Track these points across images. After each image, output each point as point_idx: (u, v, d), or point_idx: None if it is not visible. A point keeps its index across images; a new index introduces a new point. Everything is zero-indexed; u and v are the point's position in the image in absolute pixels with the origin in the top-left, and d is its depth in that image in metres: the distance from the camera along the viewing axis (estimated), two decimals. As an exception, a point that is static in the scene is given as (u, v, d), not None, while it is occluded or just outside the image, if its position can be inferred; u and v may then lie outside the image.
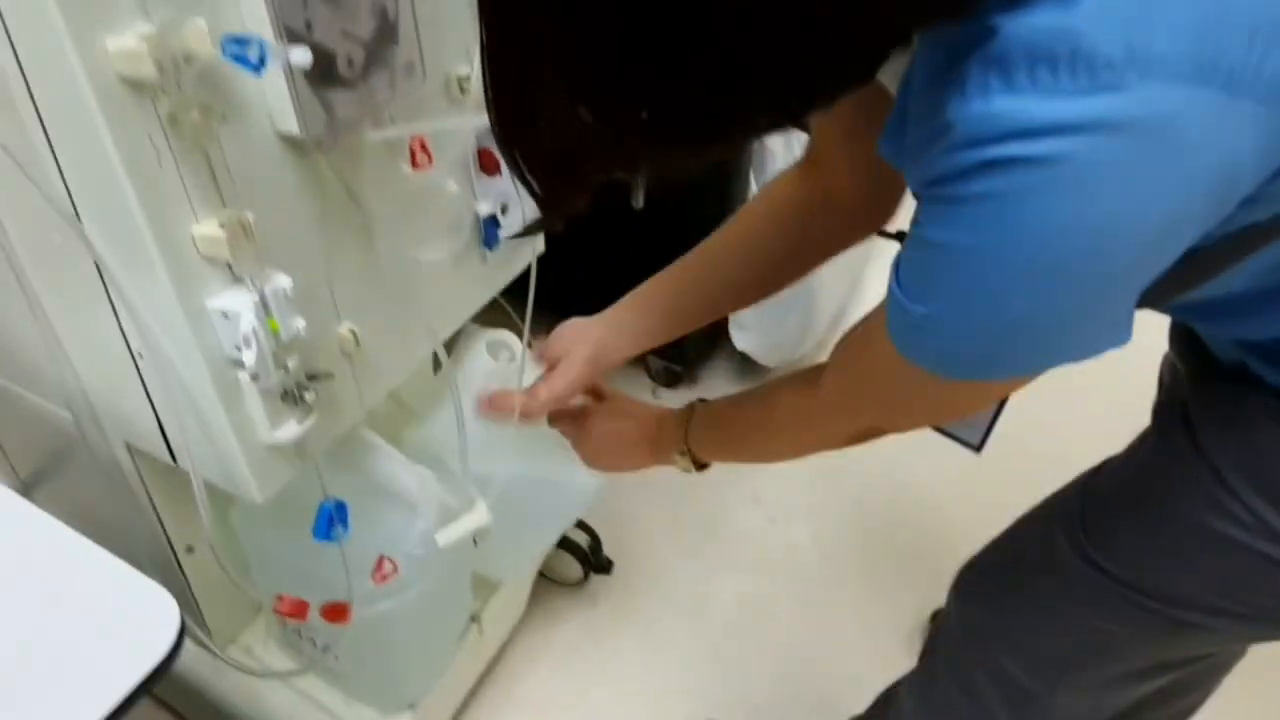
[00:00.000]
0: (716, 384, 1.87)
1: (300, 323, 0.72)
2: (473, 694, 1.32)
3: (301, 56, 0.59)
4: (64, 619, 0.66)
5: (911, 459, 1.49)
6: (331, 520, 0.84)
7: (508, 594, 1.29)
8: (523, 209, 0.99)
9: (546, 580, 1.46)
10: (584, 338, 0.95)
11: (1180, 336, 0.77)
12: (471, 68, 0.81)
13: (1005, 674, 0.86)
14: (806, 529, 1.62)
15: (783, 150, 1.53)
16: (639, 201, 1.62)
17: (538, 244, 1.05)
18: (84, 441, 0.92)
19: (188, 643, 1.20)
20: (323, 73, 0.67)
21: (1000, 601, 0.87)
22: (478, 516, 0.92)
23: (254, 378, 0.69)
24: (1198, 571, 0.70)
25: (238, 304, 0.68)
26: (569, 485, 1.15)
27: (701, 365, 1.88)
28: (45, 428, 0.94)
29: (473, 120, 0.83)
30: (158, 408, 0.78)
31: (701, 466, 0.88)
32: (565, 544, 1.41)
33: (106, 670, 0.61)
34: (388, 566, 0.92)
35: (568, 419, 0.98)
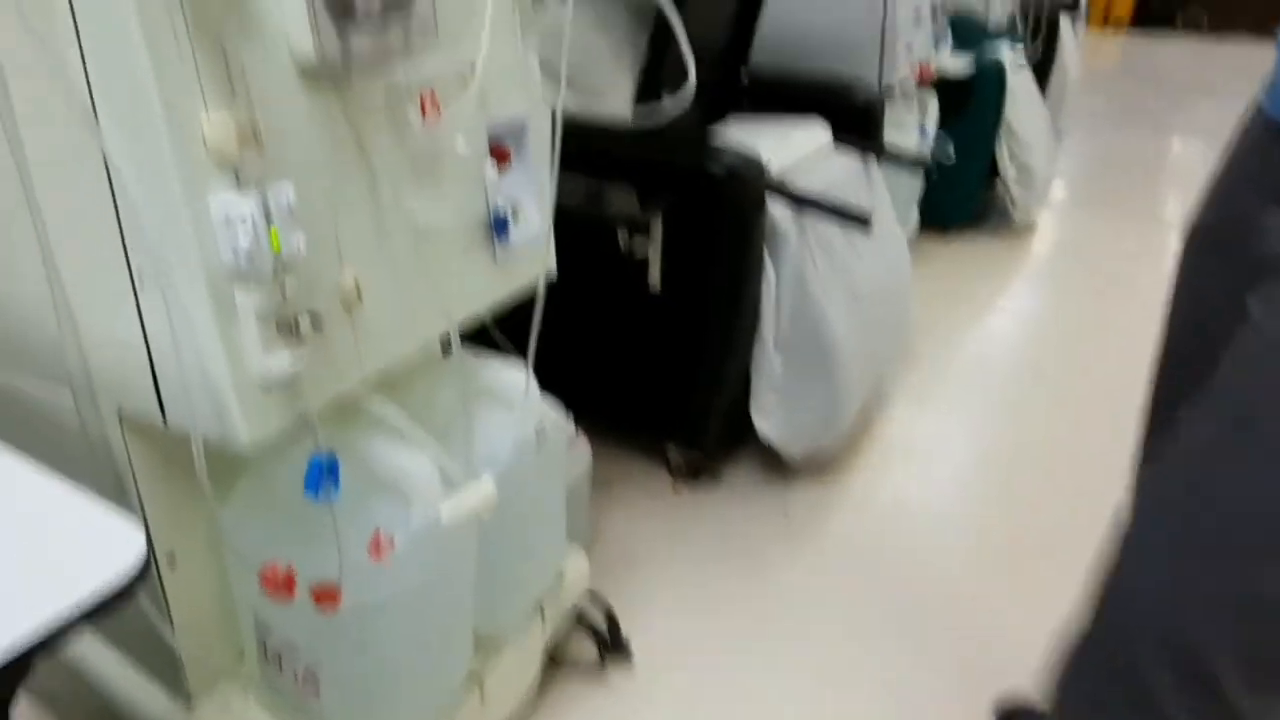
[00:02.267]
0: (740, 479, 1.79)
1: (300, 239, 0.73)
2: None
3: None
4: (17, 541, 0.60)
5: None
6: (322, 472, 0.80)
7: (512, 658, 1.18)
8: (534, 214, 1.02)
9: (559, 665, 1.33)
10: None
11: None
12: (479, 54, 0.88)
13: None
14: (840, 622, 1.48)
15: (795, 232, 1.58)
16: (656, 282, 1.66)
17: (548, 261, 1.08)
18: (81, 429, 0.91)
19: (158, 696, 1.11)
20: (341, 8, 0.74)
21: None
22: (483, 490, 0.87)
23: (245, 278, 0.70)
24: None
25: (241, 207, 0.70)
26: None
27: (725, 456, 1.82)
28: (42, 419, 0.94)
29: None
30: (150, 338, 0.77)
31: None
32: (580, 621, 1.31)
33: (55, 589, 0.56)
34: (384, 541, 0.86)
35: None
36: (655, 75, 1.54)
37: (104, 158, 0.71)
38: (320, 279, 0.79)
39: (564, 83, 0.92)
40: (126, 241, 0.74)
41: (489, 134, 0.95)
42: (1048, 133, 3.00)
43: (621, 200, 1.51)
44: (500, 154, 0.96)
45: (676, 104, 1.21)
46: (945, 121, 2.53)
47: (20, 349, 0.94)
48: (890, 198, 2.00)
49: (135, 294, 0.77)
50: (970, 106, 2.68)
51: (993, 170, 2.84)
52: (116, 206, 0.73)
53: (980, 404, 2.16)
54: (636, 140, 1.48)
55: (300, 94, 0.75)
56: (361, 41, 0.76)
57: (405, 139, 0.84)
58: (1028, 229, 3.14)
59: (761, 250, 1.55)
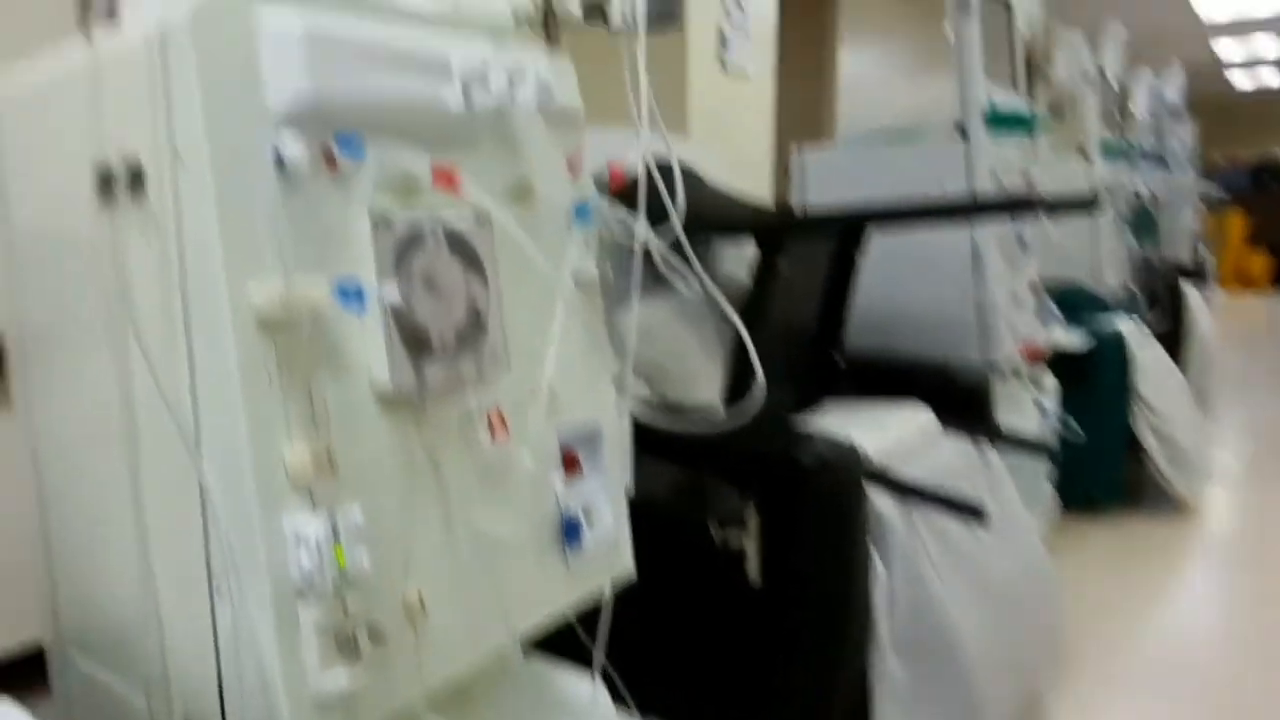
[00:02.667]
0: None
1: (365, 559, 0.77)
2: None
3: (391, 293, 0.76)
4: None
5: None
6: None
7: None
8: (607, 517, 1.04)
9: None
10: None
11: None
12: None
13: None
14: None
15: (903, 524, 1.51)
16: (755, 574, 1.61)
17: (624, 564, 1.07)
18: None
19: None
20: (417, 344, 0.83)
21: None
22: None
23: (307, 593, 0.74)
24: None
25: (310, 527, 0.75)
26: None
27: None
28: (114, 711, 0.97)
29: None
30: (221, 647, 0.81)
31: None
32: None
33: None
34: None
35: None
36: (744, 368, 1.61)
37: (200, 480, 0.79)
38: (384, 592, 0.82)
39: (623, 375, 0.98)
40: (210, 555, 0.81)
41: (560, 442, 1.00)
42: (1189, 404, 2.84)
43: (714, 491, 1.51)
44: (571, 461, 1.00)
45: (750, 405, 1.24)
46: (1069, 398, 2.45)
47: (108, 644, 0.99)
48: (1016, 483, 1.91)
49: (212, 604, 0.81)
50: (1093, 381, 2.61)
51: (1136, 445, 2.68)
52: (205, 523, 0.80)
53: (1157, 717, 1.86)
54: (727, 429, 1.52)
55: (376, 419, 0.82)
56: (436, 373, 0.85)
57: (475, 455, 0.90)
58: (1191, 508, 2.87)
59: (865, 543, 1.48)
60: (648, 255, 1.08)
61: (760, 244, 1.64)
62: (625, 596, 1.10)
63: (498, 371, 0.91)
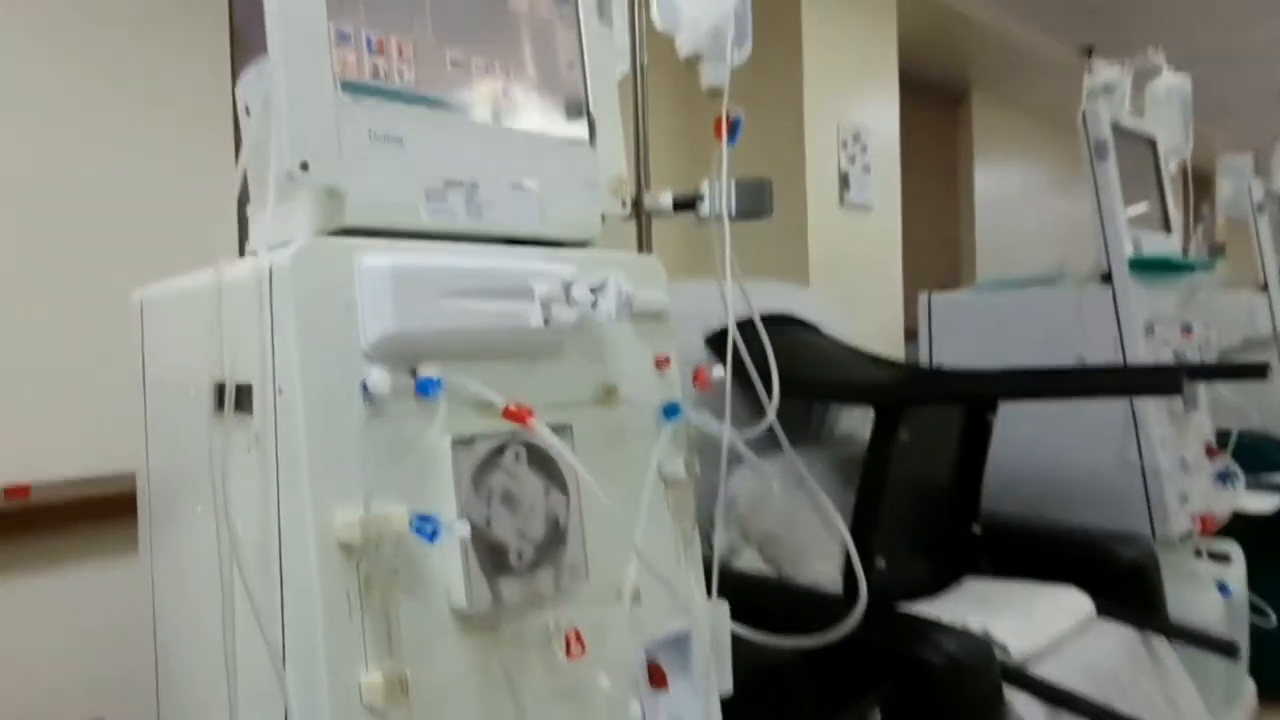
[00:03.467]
0: None
1: (433, 790, 0.75)
2: None
3: (463, 530, 0.77)
4: None
5: None
6: None
7: None
8: (698, 735, 0.98)
9: None
10: None
11: None
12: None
13: None
14: None
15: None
16: None
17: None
18: None
19: None
20: (495, 562, 0.83)
21: None
22: None
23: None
24: None
25: (379, 758, 0.74)
26: None
27: None
28: None
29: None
30: None
31: None
32: None
33: None
34: None
35: None
36: (865, 542, 1.51)
37: (284, 697, 0.80)
38: (454, 821, 0.79)
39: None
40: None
41: (646, 654, 0.96)
42: None
43: (833, 686, 1.40)
44: (657, 675, 0.96)
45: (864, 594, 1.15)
46: (1260, 569, 2.15)
47: None
48: (1199, 675, 1.67)
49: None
50: (1291, 550, 2.28)
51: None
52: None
53: None
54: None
55: (453, 637, 0.82)
56: (513, 589, 0.84)
57: (552, 672, 0.87)
58: None
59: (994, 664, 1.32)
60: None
61: (876, 410, 1.57)
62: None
63: (577, 583, 0.89)
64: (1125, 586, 1.71)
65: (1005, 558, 1.80)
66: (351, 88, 0.84)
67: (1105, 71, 2.19)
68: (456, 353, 0.84)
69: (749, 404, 1.10)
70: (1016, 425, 1.86)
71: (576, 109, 1.05)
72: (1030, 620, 1.52)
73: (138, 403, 1.07)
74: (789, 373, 1.15)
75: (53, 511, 1.57)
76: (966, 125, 4.84)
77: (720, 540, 1.61)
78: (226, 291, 0.84)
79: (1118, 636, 1.59)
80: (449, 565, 0.81)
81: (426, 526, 0.77)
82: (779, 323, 1.86)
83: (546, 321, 0.86)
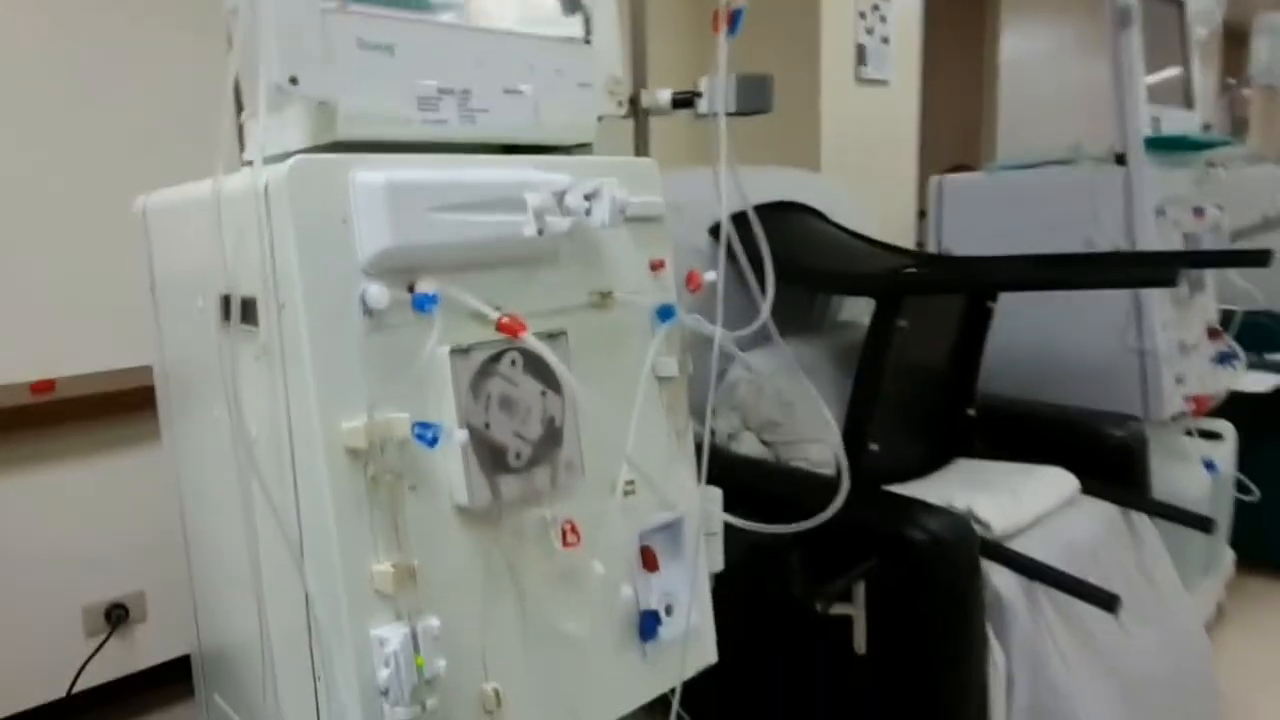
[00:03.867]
0: None
1: (442, 664, 0.84)
2: None
3: (461, 437, 0.82)
4: None
5: None
6: None
7: None
8: (689, 614, 1.06)
9: None
10: None
11: None
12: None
13: None
14: None
15: (1026, 605, 1.43)
16: (861, 646, 1.57)
17: (706, 655, 1.09)
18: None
19: None
20: (494, 462, 0.89)
21: None
22: None
23: (386, 694, 0.80)
24: None
25: (393, 636, 0.82)
26: None
27: None
28: None
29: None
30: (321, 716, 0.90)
31: None
32: None
33: None
34: None
35: None
36: (859, 427, 1.57)
37: (304, 586, 0.88)
38: (463, 690, 0.88)
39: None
40: (315, 660, 0.89)
41: (640, 540, 1.03)
42: None
43: (823, 561, 1.49)
44: (649, 558, 1.03)
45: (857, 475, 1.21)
46: (1254, 446, 2.20)
47: (239, 695, 1.11)
48: (1181, 547, 1.75)
49: (315, 682, 0.90)
50: (1282, 427, 2.33)
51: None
52: (310, 631, 0.89)
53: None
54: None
55: (456, 531, 0.88)
56: (512, 486, 0.90)
57: (550, 560, 0.94)
58: None
59: (981, 626, 1.41)
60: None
61: (876, 301, 1.59)
62: (722, 660, 1.11)
63: (574, 479, 0.95)
64: (1113, 466, 1.77)
65: (998, 439, 1.86)
66: (337, -5, 0.82)
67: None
68: (453, 265, 0.86)
69: (750, 294, 1.13)
70: (1020, 307, 1.87)
71: (571, 3, 1.02)
72: (1014, 498, 1.59)
73: (149, 305, 1.11)
74: (789, 263, 1.16)
75: (79, 404, 1.64)
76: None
77: (719, 426, 1.67)
78: (225, 205, 0.86)
79: (1099, 513, 1.66)
80: (451, 466, 0.87)
81: (427, 433, 0.82)
82: (783, 210, 1.85)
83: (540, 231, 0.88)
